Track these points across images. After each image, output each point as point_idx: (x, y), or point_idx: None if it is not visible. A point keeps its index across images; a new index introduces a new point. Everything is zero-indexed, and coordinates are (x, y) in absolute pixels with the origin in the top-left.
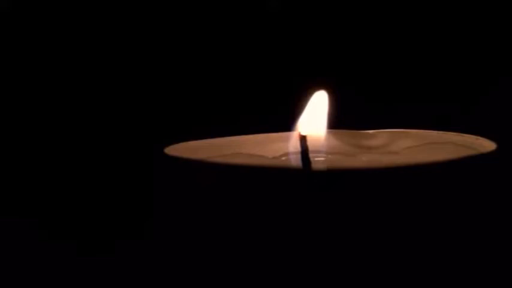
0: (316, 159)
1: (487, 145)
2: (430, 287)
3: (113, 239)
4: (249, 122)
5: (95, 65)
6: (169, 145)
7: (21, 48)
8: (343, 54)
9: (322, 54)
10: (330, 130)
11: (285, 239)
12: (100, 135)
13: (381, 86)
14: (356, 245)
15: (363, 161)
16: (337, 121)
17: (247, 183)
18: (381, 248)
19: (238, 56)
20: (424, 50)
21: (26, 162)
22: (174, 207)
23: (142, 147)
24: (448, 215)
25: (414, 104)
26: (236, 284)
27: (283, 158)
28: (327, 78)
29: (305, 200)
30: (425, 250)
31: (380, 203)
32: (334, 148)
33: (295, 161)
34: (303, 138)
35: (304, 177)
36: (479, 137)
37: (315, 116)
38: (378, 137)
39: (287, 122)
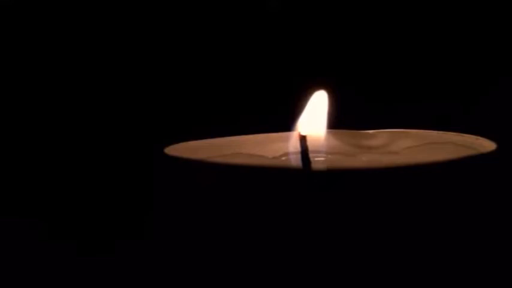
0: (316, 159)
1: (487, 145)
2: (430, 287)
3: (113, 239)
4: (249, 122)
5: (95, 65)
6: (169, 145)
7: (21, 48)
8: (343, 54)
9: (322, 54)
10: (330, 130)
11: (285, 239)
12: (100, 135)
13: (381, 86)
14: (356, 245)
15: (363, 161)
16: (337, 121)
17: (247, 183)
18: (381, 248)
19: (238, 56)
20: (424, 50)
21: (26, 162)
22: (174, 207)
23: (142, 147)
24: (448, 215)
25: (414, 104)
26: (236, 284)
27: (283, 158)
28: (327, 78)
29: (305, 200)
30: (425, 250)
31: (380, 203)
32: (334, 148)
33: (295, 161)
34: (303, 138)
35: (304, 177)
36: (479, 137)
37: (314, 116)
38: (378, 137)
39: (287, 122)
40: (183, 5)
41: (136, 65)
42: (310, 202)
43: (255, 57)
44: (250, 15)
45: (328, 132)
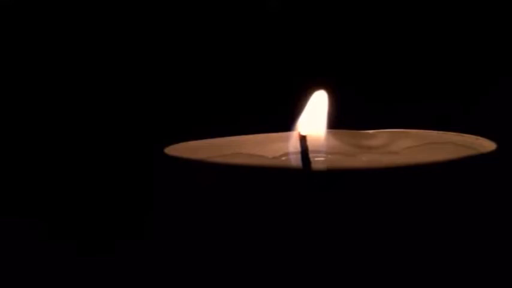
0: (316, 159)
1: (487, 145)
2: (430, 287)
3: (113, 239)
4: (249, 122)
5: (95, 65)
6: (169, 145)
7: (21, 48)
8: (343, 54)
9: (322, 54)
10: (330, 130)
11: (285, 239)
12: (100, 135)
13: (381, 86)
14: (356, 245)
15: (363, 161)
16: (337, 121)
17: (247, 183)
18: (381, 248)
19: (238, 56)
20: (424, 50)
21: (26, 162)
22: (174, 207)
23: (142, 147)
24: (448, 215)
25: (414, 104)
26: (236, 284)
27: (283, 158)
28: (327, 78)
29: (305, 200)
30: (425, 250)
31: (380, 203)
32: (334, 148)
33: (295, 161)
34: (303, 138)
35: (304, 177)
36: (479, 137)
37: (314, 116)
38: (378, 137)
39: (287, 122)
40: (183, 5)
41: (137, 65)
42: (310, 202)
43: (255, 58)
44: (250, 15)
45: (328, 132)
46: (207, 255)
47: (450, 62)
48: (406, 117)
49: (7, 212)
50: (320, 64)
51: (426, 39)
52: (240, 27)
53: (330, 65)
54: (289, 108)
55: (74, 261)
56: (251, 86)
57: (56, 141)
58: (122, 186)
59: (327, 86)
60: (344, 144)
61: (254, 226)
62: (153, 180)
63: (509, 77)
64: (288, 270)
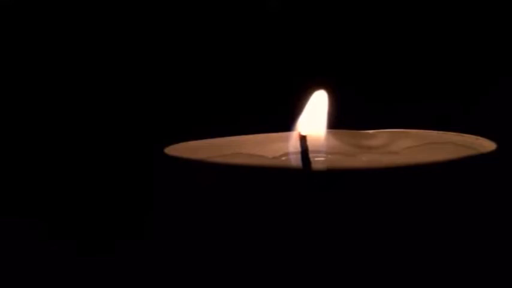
0: (316, 159)
1: (487, 145)
2: (430, 287)
3: (113, 239)
4: (249, 122)
5: (95, 65)
6: (169, 145)
7: (21, 48)
8: (343, 54)
9: (322, 54)
10: (330, 130)
11: (285, 239)
12: (100, 135)
13: (381, 86)
14: (356, 245)
15: (363, 161)
16: (337, 121)
17: (247, 183)
18: (381, 248)
19: (238, 56)
20: (424, 50)
21: (26, 162)
22: (174, 207)
23: (142, 147)
24: (448, 215)
25: (414, 104)
26: (236, 284)
27: (283, 158)
28: (327, 78)
29: (305, 200)
30: (425, 250)
31: (380, 203)
32: (334, 148)
33: (295, 161)
34: (303, 138)
35: (304, 177)
36: (479, 137)
37: (314, 115)
38: (378, 137)
39: (287, 122)
40: (183, 5)
41: (137, 65)
42: (310, 202)
43: (255, 57)
44: (250, 15)
45: (328, 132)
46: (207, 255)
47: (450, 62)
48: (406, 117)
49: (7, 212)
50: (320, 64)
51: (426, 40)
52: (240, 27)
53: (330, 65)
54: (289, 108)
55: (74, 261)
56: (251, 86)
57: (56, 142)
58: (122, 186)
59: (327, 86)
60: (344, 144)
61: (254, 226)
62: (153, 180)
63: (509, 77)
64: (288, 270)
